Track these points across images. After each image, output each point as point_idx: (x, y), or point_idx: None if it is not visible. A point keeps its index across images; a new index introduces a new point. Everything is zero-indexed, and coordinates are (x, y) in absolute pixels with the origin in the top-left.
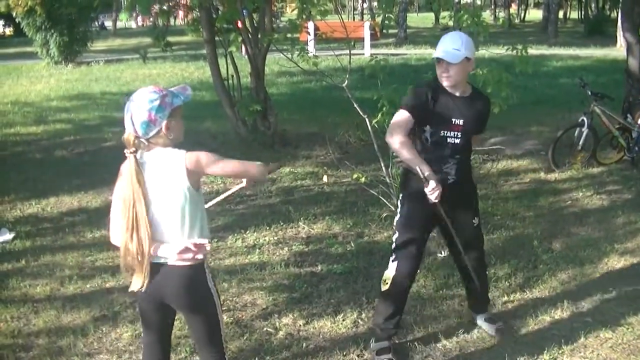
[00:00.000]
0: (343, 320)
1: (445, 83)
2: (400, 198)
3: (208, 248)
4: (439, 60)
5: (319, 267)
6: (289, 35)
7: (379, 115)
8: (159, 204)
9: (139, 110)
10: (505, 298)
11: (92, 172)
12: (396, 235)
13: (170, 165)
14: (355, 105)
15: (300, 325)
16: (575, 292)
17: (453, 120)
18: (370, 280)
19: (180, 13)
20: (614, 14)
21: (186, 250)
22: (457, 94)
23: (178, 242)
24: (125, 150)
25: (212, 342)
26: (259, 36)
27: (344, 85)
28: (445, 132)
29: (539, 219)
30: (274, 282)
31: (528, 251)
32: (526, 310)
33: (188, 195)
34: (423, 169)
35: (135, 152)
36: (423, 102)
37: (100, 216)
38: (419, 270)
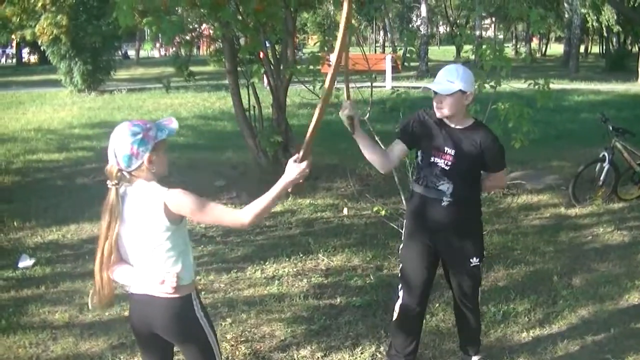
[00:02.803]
0: (361, 353)
1: (438, 114)
2: (404, 227)
3: (174, 280)
4: (435, 92)
5: (338, 300)
6: (311, 67)
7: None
8: (140, 236)
9: (121, 143)
10: (525, 334)
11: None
12: (401, 264)
13: (150, 202)
14: (377, 138)
15: (318, 357)
16: (595, 329)
17: (445, 149)
18: (390, 314)
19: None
20: (635, 49)
21: (163, 281)
22: (453, 125)
23: (158, 273)
24: (108, 182)
25: None
26: (281, 68)
27: (365, 117)
28: (436, 158)
29: (559, 254)
30: (292, 313)
31: (548, 286)
32: (545, 346)
33: (167, 231)
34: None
35: (118, 184)
36: (414, 126)
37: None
38: (437, 304)
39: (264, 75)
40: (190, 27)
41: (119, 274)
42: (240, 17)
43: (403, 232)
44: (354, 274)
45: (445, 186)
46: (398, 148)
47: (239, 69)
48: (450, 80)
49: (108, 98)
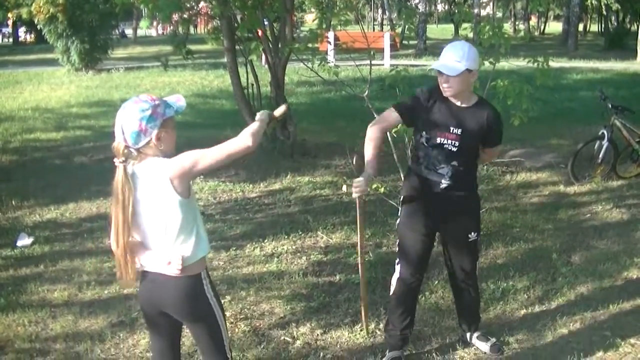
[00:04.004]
0: (360, 330)
1: (445, 93)
2: (400, 201)
3: (179, 262)
4: (439, 71)
5: (337, 277)
6: (309, 44)
7: (399, 125)
8: (151, 215)
9: (129, 119)
10: (524, 311)
11: (111, 178)
12: (398, 239)
13: (158, 177)
14: (375, 116)
15: (317, 334)
16: (594, 306)
17: (451, 128)
18: (389, 291)
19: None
20: (634, 28)
21: (170, 262)
22: (458, 103)
23: (169, 252)
24: (115, 159)
25: (215, 351)
26: (280, 45)
27: (364, 95)
28: (442, 139)
29: (558, 232)
30: (292, 291)
31: (547, 264)
32: (545, 323)
33: (179, 206)
34: (368, 164)
35: (125, 161)
36: (417, 106)
37: None
38: (436, 281)
39: (262, 53)
40: (188, 5)
41: (144, 260)
42: None
43: (400, 206)
44: (353, 251)
45: (445, 170)
46: (394, 116)
47: (237, 47)
48: (457, 60)
49: (105, 77)
